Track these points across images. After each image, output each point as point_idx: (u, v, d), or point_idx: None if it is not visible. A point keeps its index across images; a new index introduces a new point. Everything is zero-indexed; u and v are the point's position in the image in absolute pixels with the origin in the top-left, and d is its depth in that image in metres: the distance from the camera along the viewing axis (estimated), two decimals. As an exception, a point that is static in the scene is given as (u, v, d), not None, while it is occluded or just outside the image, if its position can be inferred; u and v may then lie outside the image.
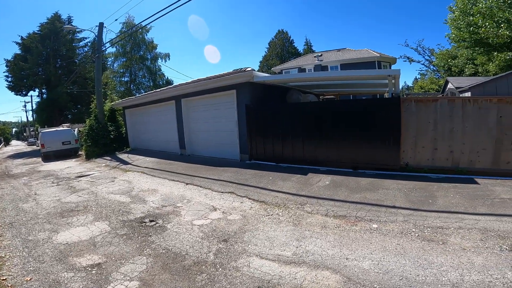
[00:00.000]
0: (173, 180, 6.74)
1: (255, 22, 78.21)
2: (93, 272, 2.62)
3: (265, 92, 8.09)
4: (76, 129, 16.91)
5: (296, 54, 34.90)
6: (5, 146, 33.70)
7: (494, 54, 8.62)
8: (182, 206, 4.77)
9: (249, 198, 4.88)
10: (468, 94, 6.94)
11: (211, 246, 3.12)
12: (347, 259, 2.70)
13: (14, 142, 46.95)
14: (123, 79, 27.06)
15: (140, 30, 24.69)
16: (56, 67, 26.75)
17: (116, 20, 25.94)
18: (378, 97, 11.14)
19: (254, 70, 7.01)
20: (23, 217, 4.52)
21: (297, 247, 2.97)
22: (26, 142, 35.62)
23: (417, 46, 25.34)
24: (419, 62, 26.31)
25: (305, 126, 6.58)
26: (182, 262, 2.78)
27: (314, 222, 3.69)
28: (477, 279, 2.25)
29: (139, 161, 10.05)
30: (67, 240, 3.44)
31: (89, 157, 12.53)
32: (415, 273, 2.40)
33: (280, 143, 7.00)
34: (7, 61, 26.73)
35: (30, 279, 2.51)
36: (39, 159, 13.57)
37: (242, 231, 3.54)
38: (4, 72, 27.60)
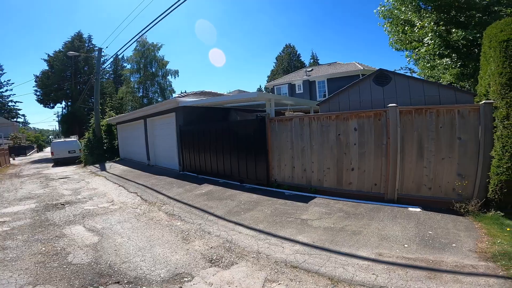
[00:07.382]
0: (115, 183, 9.39)
1: (268, 35, 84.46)
2: (-4, 223, 5.22)
3: (206, 113, 10.38)
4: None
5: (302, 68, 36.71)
6: (37, 152, 39.90)
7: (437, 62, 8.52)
8: (95, 199, 7.26)
9: (141, 197, 7.13)
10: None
11: (71, 218, 5.47)
12: (119, 235, 4.41)
13: (48, 149, 54.24)
14: (138, 94, 32.29)
15: (151, 48, 29.64)
16: (76, 82, 32.35)
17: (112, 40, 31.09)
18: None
19: (181, 97, 9.49)
20: (-2, 200, 7.54)
21: (110, 225, 4.94)
22: None
23: None
24: None
25: (210, 144, 8.69)
26: (43, 223, 5.18)
27: (151, 215, 5.53)
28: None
29: (114, 169, 13.10)
30: (4, 212, 6.14)
31: (86, 164, 16.21)
32: (131, 248, 4.16)
33: (198, 157, 9.21)
34: (36, 76, 33.53)
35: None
36: (50, 165, 17.85)
37: (103, 213, 5.79)
38: (33, 86, 34.48)
